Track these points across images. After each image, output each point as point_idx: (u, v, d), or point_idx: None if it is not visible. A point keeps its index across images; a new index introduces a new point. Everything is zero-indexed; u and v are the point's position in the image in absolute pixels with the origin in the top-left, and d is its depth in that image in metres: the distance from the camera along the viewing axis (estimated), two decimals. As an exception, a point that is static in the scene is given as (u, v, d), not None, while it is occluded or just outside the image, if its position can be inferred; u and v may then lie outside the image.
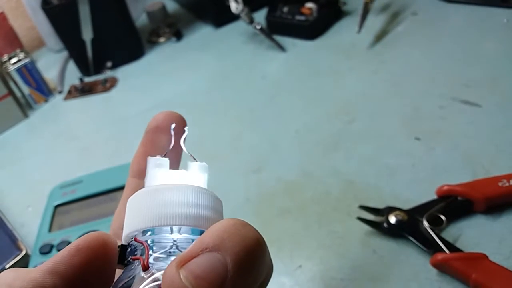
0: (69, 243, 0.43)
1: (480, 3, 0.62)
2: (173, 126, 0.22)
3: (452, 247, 0.34)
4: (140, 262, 0.16)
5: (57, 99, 0.75)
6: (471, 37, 0.58)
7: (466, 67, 0.53)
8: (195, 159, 0.20)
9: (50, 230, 0.46)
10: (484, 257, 0.32)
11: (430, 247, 0.34)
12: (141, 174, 0.24)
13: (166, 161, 0.20)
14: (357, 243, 0.38)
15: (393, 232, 0.37)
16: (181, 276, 0.14)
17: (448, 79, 0.52)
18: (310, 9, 0.66)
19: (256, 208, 0.44)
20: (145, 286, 0.15)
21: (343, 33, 0.67)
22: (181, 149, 0.21)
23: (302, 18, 0.67)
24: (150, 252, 0.17)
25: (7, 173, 0.62)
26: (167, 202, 0.17)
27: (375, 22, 0.65)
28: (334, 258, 0.37)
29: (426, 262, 0.34)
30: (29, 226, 0.51)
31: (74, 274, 0.16)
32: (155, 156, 0.20)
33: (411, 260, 0.35)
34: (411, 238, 0.35)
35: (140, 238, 0.17)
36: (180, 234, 0.17)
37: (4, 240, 0.46)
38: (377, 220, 0.38)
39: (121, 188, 0.48)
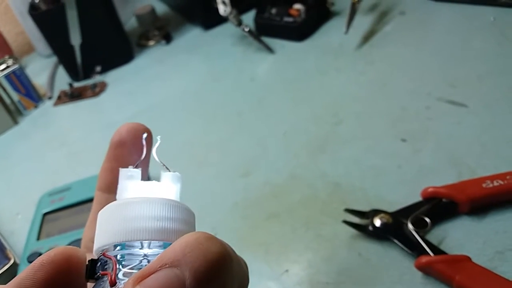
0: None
1: (467, 1, 0.62)
2: (144, 135, 0.22)
3: (436, 250, 0.34)
4: (108, 277, 0.16)
5: (46, 105, 0.75)
6: (459, 36, 0.58)
7: (453, 67, 0.53)
8: (168, 169, 0.20)
9: (38, 238, 0.46)
10: (467, 259, 0.32)
11: (414, 249, 0.34)
12: (108, 188, 0.24)
13: (137, 172, 0.20)
14: (343, 247, 0.38)
15: (378, 235, 0.37)
16: None
17: (435, 79, 0.52)
18: (298, 10, 0.66)
19: (244, 212, 0.44)
20: None
21: (331, 34, 0.67)
22: (149, 159, 0.21)
23: (290, 19, 0.67)
24: (119, 267, 0.17)
25: (-3, 181, 0.62)
26: (135, 217, 0.17)
27: (363, 22, 0.65)
28: (320, 261, 0.37)
29: (411, 265, 0.34)
30: (19, 234, 0.51)
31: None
32: (126, 167, 0.20)
33: (396, 263, 0.35)
34: (396, 241, 0.35)
35: (110, 252, 0.17)
36: (150, 248, 0.17)
37: (-7, 249, 0.46)
38: (363, 223, 0.38)
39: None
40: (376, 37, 0.62)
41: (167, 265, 0.14)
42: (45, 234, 0.46)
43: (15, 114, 0.72)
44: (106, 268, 0.17)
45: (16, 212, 0.54)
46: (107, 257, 0.17)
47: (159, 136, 0.22)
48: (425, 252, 0.34)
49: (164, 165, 0.20)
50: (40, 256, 0.17)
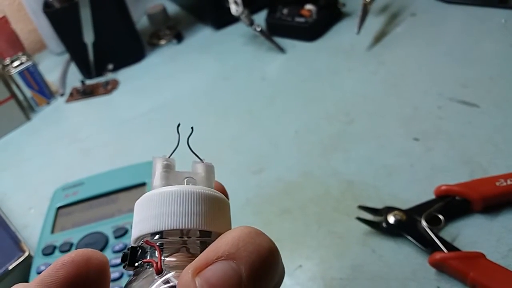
0: (71, 244, 0.44)
1: (478, 3, 0.62)
2: (178, 125, 0.22)
3: (450, 246, 0.34)
4: (153, 265, 0.16)
5: (59, 102, 0.75)
6: (470, 37, 0.58)
7: (464, 68, 0.53)
8: (201, 160, 0.21)
9: (52, 231, 0.46)
10: (481, 256, 0.32)
11: (428, 246, 0.35)
12: None
13: (173, 161, 0.20)
14: (357, 243, 0.38)
15: (392, 231, 0.37)
16: (197, 284, 0.14)
17: (447, 80, 0.52)
18: (309, 10, 0.67)
19: (257, 209, 0.45)
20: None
21: (342, 34, 0.67)
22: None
23: (301, 20, 0.67)
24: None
25: (10, 175, 0.62)
26: (174, 205, 0.17)
27: (374, 23, 0.66)
28: (333, 257, 0.38)
29: (425, 261, 0.34)
30: (31, 228, 0.51)
31: (60, 287, 0.18)
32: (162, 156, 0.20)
33: (410, 260, 0.35)
34: (409, 238, 0.36)
35: (150, 240, 0.18)
36: (189, 237, 0.18)
37: (7, 242, 0.46)
38: (376, 220, 0.38)
39: (123, 189, 0.48)
40: (387, 38, 0.63)
41: (222, 258, 0.15)
42: (59, 228, 0.47)
43: (27, 110, 0.73)
44: (145, 256, 0.18)
45: (29, 207, 0.55)
46: (150, 245, 0.17)
47: (192, 126, 0.22)
48: (439, 249, 0.34)
49: (197, 155, 0.21)
50: (62, 257, 0.18)
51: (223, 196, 0.19)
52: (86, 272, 0.18)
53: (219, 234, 0.17)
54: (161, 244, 0.17)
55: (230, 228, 0.19)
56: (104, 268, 0.19)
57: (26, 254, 0.45)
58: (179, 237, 0.17)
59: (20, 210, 0.55)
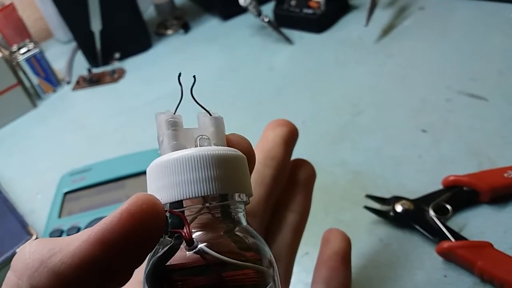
0: (78, 229, 0.44)
1: (487, -2, 0.62)
2: (179, 74, 0.20)
3: (457, 236, 0.34)
4: (182, 234, 0.16)
5: (65, 90, 0.75)
6: (478, 31, 0.58)
7: (473, 61, 0.53)
8: (208, 113, 0.19)
9: (60, 216, 0.47)
10: (489, 245, 0.32)
11: (436, 235, 0.35)
12: None
13: (179, 118, 0.19)
14: (364, 232, 0.38)
15: (399, 220, 0.37)
16: None
17: (455, 73, 0.52)
18: (317, 2, 0.67)
19: (263, 197, 0.45)
20: (190, 258, 0.15)
21: (350, 26, 0.67)
22: None
23: (309, 11, 0.67)
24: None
25: (16, 161, 0.63)
26: (194, 171, 0.16)
27: (382, 16, 0.66)
28: (340, 246, 0.38)
29: (432, 250, 0.35)
30: (38, 213, 0.51)
31: (123, 242, 0.15)
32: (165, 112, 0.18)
33: (417, 249, 0.36)
34: (417, 227, 0.36)
35: (174, 210, 0.17)
36: (210, 203, 0.17)
37: (15, 225, 0.46)
38: (384, 209, 0.38)
39: (129, 176, 0.49)
40: (395, 31, 0.63)
41: None
42: (66, 212, 0.47)
43: (34, 97, 0.73)
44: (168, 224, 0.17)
45: (36, 192, 0.55)
46: (176, 214, 0.16)
47: (194, 75, 0.20)
48: (446, 238, 0.34)
49: (204, 108, 0.19)
50: (123, 205, 0.15)
51: (238, 152, 0.18)
52: (155, 223, 0.15)
53: (238, 194, 0.17)
54: (182, 212, 0.17)
55: (250, 184, 0.18)
56: (162, 213, 0.16)
57: (34, 237, 0.45)
58: (201, 204, 0.17)
59: (27, 195, 0.55)
